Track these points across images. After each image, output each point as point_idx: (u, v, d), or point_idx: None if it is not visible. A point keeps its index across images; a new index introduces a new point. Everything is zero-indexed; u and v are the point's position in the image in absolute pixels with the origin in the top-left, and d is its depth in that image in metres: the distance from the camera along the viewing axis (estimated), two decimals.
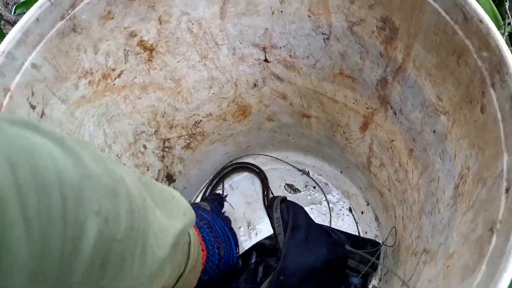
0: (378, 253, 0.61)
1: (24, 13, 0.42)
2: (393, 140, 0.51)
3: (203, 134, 0.65)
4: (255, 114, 0.66)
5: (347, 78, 0.51)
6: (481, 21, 0.30)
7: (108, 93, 0.46)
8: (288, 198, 0.71)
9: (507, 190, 0.26)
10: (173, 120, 0.58)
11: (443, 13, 0.33)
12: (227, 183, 0.75)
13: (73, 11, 0.38)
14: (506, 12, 0.58)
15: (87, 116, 0.45)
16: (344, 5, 0.42)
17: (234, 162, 0.76)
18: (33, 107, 0.38)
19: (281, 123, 0.68)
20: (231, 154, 0.74)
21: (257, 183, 0.74)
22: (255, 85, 0.60)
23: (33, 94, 0.37)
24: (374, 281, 0.63)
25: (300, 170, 0.75)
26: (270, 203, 0.58)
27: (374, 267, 0.61)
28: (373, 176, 0.62)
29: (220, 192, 0.73)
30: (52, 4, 0.37)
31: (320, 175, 0.74)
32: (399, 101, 0.46)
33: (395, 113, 0.48)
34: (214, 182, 0.72)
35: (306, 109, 0.63)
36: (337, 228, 0.65)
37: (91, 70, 0.43)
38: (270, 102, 0.63)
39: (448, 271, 0.31)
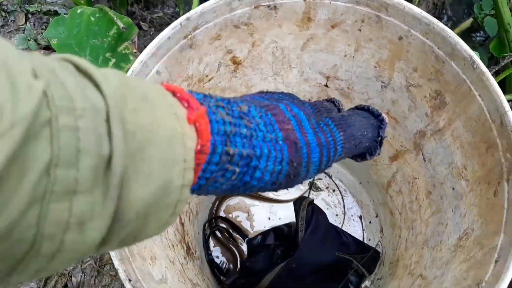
0: (376, 261, 0.73)
1: None
2: (416, 178, 0.61)
3: None
4: None
5: (391, 119, 0.60)
6: None
7: None
8: (311, 196, 0.82)
9: (496, 261, 0.37)
10: None
11: (486, 112, 0.42)
12: None
13: (194, 33, 0.47)
14: None
15: None
16: (407, 69, 0.51)
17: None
18: None
19: None
20: None
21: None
22: (309, 100, 0.69)
23: None
24: (367, 282, 0.75)
25: (325, 173, 0.85)
26: (299, 202, 0.69)
27: (370, 271, 0.73)
28: (388, 197, 0.73)
29: None
30: (181, 27, 0.46)
31: (341, 181, 0.85)
32: (431, 153, 0.55)
33: (424, 160, 0.57)
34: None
35: None
36: (347, 232, 0.77)
37: (192, 75, 0.52)
38: None
39: None
